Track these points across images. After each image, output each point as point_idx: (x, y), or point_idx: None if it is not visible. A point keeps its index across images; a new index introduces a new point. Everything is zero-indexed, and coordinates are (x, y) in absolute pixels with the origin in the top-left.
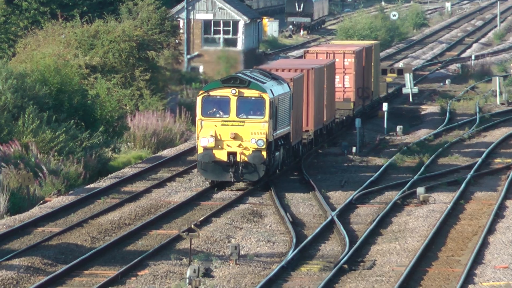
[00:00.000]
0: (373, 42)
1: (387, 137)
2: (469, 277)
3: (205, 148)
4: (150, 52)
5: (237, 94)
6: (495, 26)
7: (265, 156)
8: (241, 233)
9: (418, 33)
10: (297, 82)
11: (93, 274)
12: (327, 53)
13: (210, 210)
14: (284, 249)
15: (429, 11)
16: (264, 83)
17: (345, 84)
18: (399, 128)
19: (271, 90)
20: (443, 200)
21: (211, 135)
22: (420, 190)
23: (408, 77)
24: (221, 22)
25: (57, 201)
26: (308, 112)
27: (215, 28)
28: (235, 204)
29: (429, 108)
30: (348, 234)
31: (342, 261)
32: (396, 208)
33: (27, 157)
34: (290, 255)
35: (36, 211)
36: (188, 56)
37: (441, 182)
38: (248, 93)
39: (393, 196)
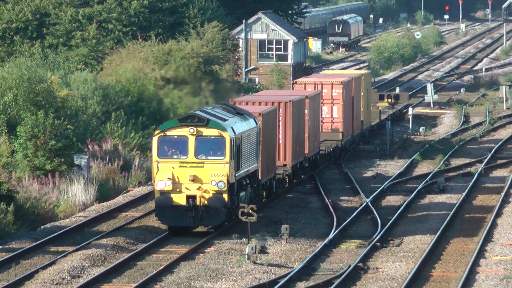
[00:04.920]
0: (363, 72)
1: (412, 136)
2: (481, 252)
3: (162, 192)
4: (214, 67)
5: (195, 133)
6: (502, 44)
7: (226, 199)
8: (291, 217)
9: (437, 49)
10: (267, 116)
11: (168, 251)
12: (315, 83)
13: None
14: (327, 230)
15: (447, 31)
16: (225, 120)
17: (333, 114)
18: (422, 128)
19: (232, 128)
20: (459, 189)
21: (169, 178)
22: (440, 180)
23: (429, 86)
24: (274, 41)
25: (138, 191)
26: (286, 145)
27: (268, 46)
28: (286, 193)
29: (447, 112)
30: (380, 217)
31: (375, 240)
32: (420, 195)
33: (117, 154)
34: (331, 235)
35: (120, 199)
36: (246, 69)
37: (457, 173)
38: (207, 132)
39: (417, 185)
